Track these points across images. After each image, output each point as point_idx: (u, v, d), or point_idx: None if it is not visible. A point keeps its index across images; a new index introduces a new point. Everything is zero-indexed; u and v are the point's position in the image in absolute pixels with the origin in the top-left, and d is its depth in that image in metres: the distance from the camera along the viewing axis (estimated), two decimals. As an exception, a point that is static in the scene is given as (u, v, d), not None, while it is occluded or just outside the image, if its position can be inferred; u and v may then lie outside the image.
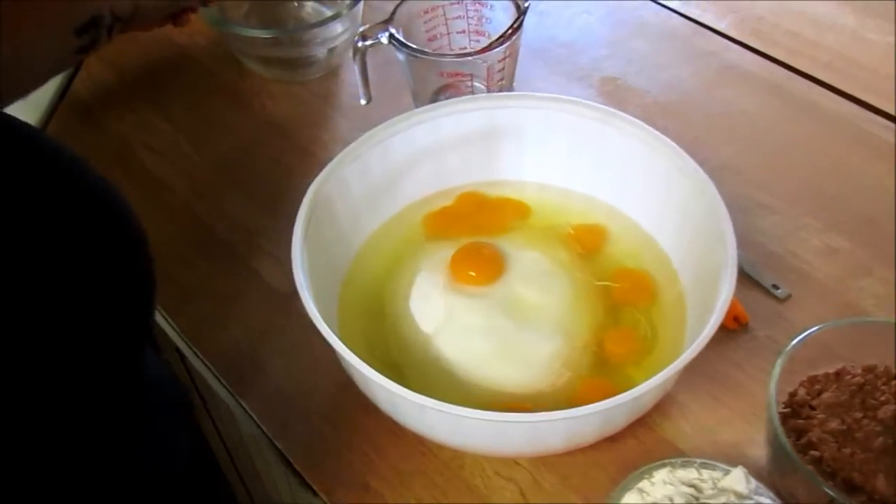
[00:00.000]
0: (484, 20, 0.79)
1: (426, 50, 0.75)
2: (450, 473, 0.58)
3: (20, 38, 0.58)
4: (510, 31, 0.72)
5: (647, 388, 0.50)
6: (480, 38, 0.79)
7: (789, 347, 0.56)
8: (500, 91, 0.77)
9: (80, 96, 0.89)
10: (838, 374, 0.58)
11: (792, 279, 0.67)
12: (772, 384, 0.54)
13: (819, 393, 0.57)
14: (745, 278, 0.67)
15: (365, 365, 0.51)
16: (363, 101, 0.78)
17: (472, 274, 0.62)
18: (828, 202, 0.73)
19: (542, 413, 0.50)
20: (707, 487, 0.50)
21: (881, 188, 0.74)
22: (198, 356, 0.67)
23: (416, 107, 0.79)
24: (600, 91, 0.83)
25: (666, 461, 0.52)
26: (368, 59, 0.81)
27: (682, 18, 0.91)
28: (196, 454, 0.62)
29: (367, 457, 0.59)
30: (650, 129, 0.65)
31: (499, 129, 0.69)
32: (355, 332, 0.62)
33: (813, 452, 0.54)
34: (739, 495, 0.49)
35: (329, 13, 0.83)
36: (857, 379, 0.57)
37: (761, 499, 0.50)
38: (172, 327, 0.69)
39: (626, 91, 0.83)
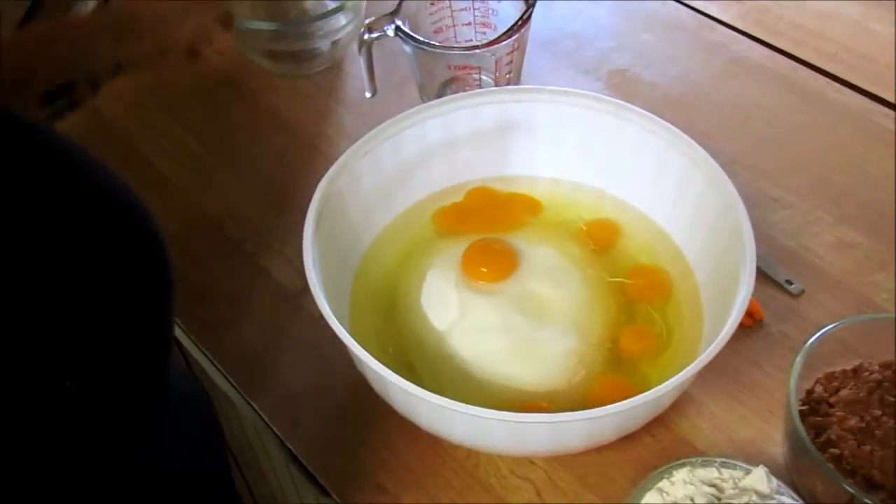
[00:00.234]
0: (490, 12, 0.78)
1: (433, 42, 0.74)
2: (464, 473, 0.57)
3: None
4: (519, 23, 0.71)
5: (667, 388, 0.50)
6: (487, 30, 0.78)
7: (807, 345, 0.55)
8: (508, 84, 0.76)
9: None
10: (856, 371, 0.57)
11: (805, 274, 0.67)
12: (791, 381, 0.54)
13: (837, 390, 0.57)
14: (759, 273, 0.65)
15: (381, 365, 0.51)
16: (368, 95, 0.77)
17: (484, 270, 0.61)
18: (839, 195, 0.73)
19: (562, 413, 0.49)
20: (728, 487, 0.50)
21: (892, 180, 0.74)
22: (206, 355, 0.66)
23: (423, 100, 0.78)
24: (608, 84, 0.82)
25: (685, 460, 0.51)
26: (373, 52, 0.80)
27: (689, 10, 0.90)
28: (217, 456, 0.61)
29: (380, 456, 0.58)
30: (663, 122, 0.64)
31: (511, 124, 0.68)
32: (367, 329, 0.61)
33: (832, 450, 0.54)
34: (761, 494, 0.49)
35: (332, 6, 0.82)
36: (875, 376, 0.57)
37: (783, 498, 0.49)
38: (180, 326, 0.68)
39: (634, 84, 0.82)
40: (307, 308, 0.64)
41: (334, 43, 0.85)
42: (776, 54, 0.85)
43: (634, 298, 0.62)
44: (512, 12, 0.74)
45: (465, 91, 0.71)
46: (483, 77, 0.76)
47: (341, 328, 0.52)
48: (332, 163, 0.62)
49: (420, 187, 0.68)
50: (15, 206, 0.35)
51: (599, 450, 0.57)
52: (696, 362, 0.50)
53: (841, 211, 0.72)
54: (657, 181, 0.65)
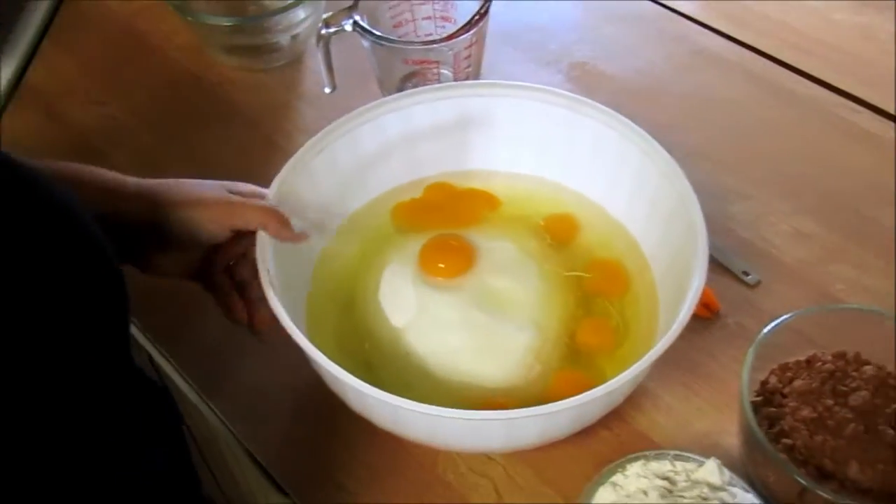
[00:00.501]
0: (450, 6, 0.78)
1: (391, 37, 0.74)
2: (423, 471, 0.57)
3: None
4: (476, 17, 0.71)
5: (620, 383, 0.50)
6: (447, 23, 0.78)
7: (761, 336, 0.56)
8: (468, 78, 0.76)
9: (37, 87, 0.86)
10: (809, 362, 0.58)
11: (762, 265, 0.67)
12: (744, 373, 0.54)
13: (791, 380, 0.57)
14: (716, 265, 0.67)
15: (334, 364, 0.51)
16: (327, 90, 0.77)
17: (442, 266, 0.61)
18: (797, 186, 0.73)
19: (517, 410, 0.49)
20: (681, 480, 0.50)
21: (850, 171, 0.74)
22: (164, 356, 0.66)
23: (383, 95, 0.77)
24: (569, 77, 0.82)
25: (639, 454, 0.52)
26: (333, 47, 0.79)
27: (652, 3, 0.90)
28: (177, 458, 0.61)
29: (339, 455, 0.58)
30: (619, 116, 0.64)
31: (469, 119, 0.68)
32: (326, 328, 0.61)
33: (785, 441, 0.54)
34: (713, 487, 0.49)
35: (291, 0, 0.81)
36: (828, 366, 0.57)
37: (734, 489, 0.50)
38: (139, 328, 0.67)
39: (595, 76, 0.82)
40: (267, 307, 0.63)
41: (294, 37, 0.84)
42: (737, 46, 0.85)
43: (592, 292, 0.62)
44: (472, 6, 0.74)
45: (424, 85, 0.71)
46: (443, 71, 0.76)
47: (294, 328, 0.52)
48: (290, 157, 0.62)
49: (379, 183, 0.68)
50: None
51: (557, 445, 0.57)
52: (647, 356, 0.51)
53: (799, 202, 0.72)
54: (615, 176, 0.65)
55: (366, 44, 0.74)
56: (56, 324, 0.39)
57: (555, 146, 0.67)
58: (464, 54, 0.73)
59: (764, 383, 0.57)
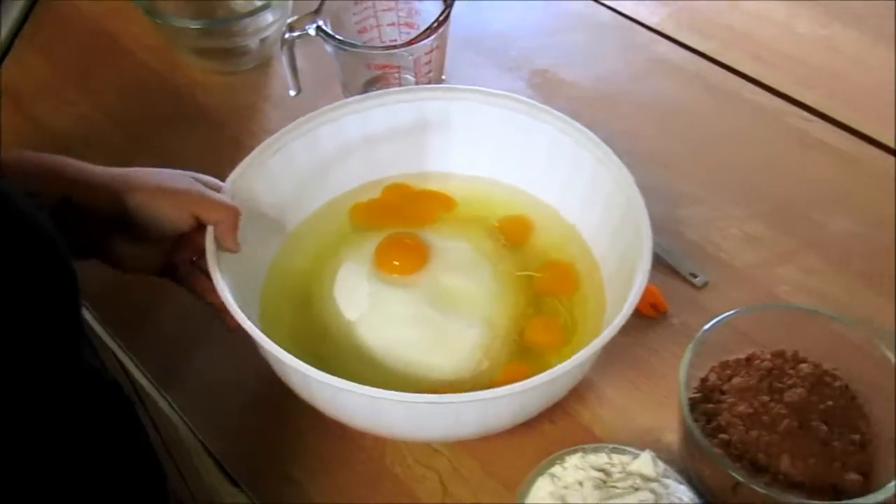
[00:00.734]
0: (414, 12, 0.80)
1: (354, 42, 0.75)
2: (371, 462, 0.59)
3: None
4: (436, 23, 0.73)
5: (560, 372, 0.51)
6: (411, 30, 0.80)
7: (700, 334, 0.57)
8: (430, 83, 0.77)
9: (10, 86, 0.87)
10: (748, 360, 0.59)
11: (710, 267, 0.69)
12: (682, 369, 0.56)
13: (730, 378, 0.59)
14: (665, 267, 0.69)
15: (276, 345, 0.52)
16: (292, 93, 0.78)
17: (397, 263, 0.62)
18: (749, 192, 0.75)
19: (456, 395, 0.50)
20: (616, 471, 0.51)
21: (801, 178, 0.76)
22: (124, 350, 0.67)
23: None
24: (530, 83, 0.84)
25: (578, 447, 0.53)
26: (302, 51, 0.81)
27: (613, 13, 0.92)
28: (135, 453, 0.61)
29: (290, 447, 0.59)
30: (574, 122, 0.65)
31: (429, 122, 0.69)
32: (281, 324, 0.62)
33: (722, 435, 0.56)
34: (646, 478, 0.51)
35: (260, 3, 0.82)
36: (766, 364, 0.59)
37: (668, 481, 0.51)
38: (97, 319, 0.68)
39: (555, 83, 0.84)
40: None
41: (262, 41, 0.86)
42: (696, 56, 0.87)
43: (542, 291, 0.64)
44: (435, 13, 0.75)
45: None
46: (405, 76, 0.77)
47: (240, 311, 0.53)
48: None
49: (338, 183, 0.70)
50: None
51: (502, 438, 0.58)
52: (587, 348, 0.52)
53: (750, 207, 0.74)
54: (569, 180, 0.67)
55: (329, 48, 0.76)
56: None
57: (512, 150, 0.69)
58: (424, 59, 0.75)
59: (704, 380, 0.59)
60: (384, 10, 0.80)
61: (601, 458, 0.52)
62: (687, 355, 0.56)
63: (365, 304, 0.61)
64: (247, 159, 0.63)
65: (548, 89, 0.83)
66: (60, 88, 0.87)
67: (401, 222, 0.67)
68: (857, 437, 0.56)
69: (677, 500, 0.49)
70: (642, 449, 0.53)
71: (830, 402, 0.57)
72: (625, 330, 0.65)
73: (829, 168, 0.77)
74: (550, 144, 0.67)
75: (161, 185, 0.57)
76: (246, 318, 0.53)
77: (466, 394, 0.50)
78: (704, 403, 0.58)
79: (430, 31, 0.73)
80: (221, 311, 0.57)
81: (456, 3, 0.75)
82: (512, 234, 0.67)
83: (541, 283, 0.64)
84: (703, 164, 0.77)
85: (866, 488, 0.53)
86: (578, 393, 0.61)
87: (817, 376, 0.58)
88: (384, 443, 0.59)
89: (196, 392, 0.63)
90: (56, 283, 0.43)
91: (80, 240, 0.56)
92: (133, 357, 0.66)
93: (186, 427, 0.62)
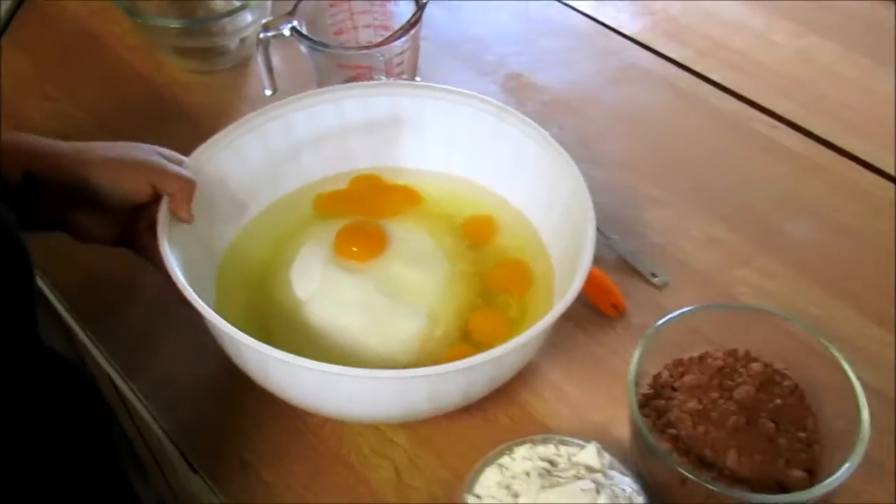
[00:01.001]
0: (390, 15, 0.81)
1: (328, 43, 0.77)
2: (327, 450, 0.60)
3: None
4: (408, 25, 0.74)
5: (505, 350, 0.52)
6: (387, 32, 0.81)
7: (652, 330, 0.58)
8: (403, 84, 0.79)
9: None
10: (701, 358, 0.60)
11: (671, 268, 0.70)
12: (632, 365, 0.57)
13: (682, 375, 0.60)
14: (627, 267, 0.70)
15: (217, 315, 0.53)
16: (268, 92, 0.79)
17: (355, 250, 0.64)
18: (713, 196, 0.76)
19: (387, 371, 0.51)
20: (562, 462, 0.52)
21: (764, 183, 0.78)
22: (94, 343, 0.68)
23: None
24: (504, 87, 0.86)
25: (527, 438, 0.54)
26: (281, 52, 0.83)
27: (589, 20, 0.93)
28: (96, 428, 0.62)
29: (248, 434, 0.61)
30: (538, 127, 0.66)
31: (402, 117, 0.70)
32: (237, 301, 0.63)
33: (671, 431, 0.57)
34: (591, 469, 0.51)
35: (239, 4, 0.84)
36: (718, 362, 0.60)
37: (613, 472, 0.52)
38: (67, 311, 0.69)
39: (528, 87, 0.86)
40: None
41: (242, 41, 0.87)
42: (668, 63, 0.89)
43: (496, 289, 0.64)
44: (410, 15, 0.77)
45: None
46: (378, 77, 0.78)
47: (182, 278, 0.54)
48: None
49: (312, 170, 0.71)
50: None
51: (459, 431, 0.59)
52: (534, 327, 0.53)
53: (714, 211, 0.75)
54: (533, 184, 0.68)
55: (303, 49, 0.77)
56: None
57: (483, 151, 0.70)
58: (396, 60, 0.76)
59: (657, 377, 0.60)
60: (360, 13, 0.81)
61: (549, 450, 0.53)
62: (638, 350, 0.57)
63: (317, 285, 0.62)
64: (216, 136, 0.64)
65: (521, 93, 0.85)
66: (42, 86, 0.89)
67: (364, 212, 0.68)
68: (804, 435, 0.57)
69: (619, 491, 0.50)
70: (600, 444, 0.54)
71: (779, 401, 0.58)
72: (584, 328, 0.67)
73: (792, 174, 0.78)
74: (515, 148, 0.68)
75: (119, 157, 0.58)
76: (187, 285, 0.54)
77: (408, 371, 0.51)
78: (656, 399, 0.59)
79: (401, 31, 0.74)
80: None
81: (437, 9, 0.76)
82: (476, 233, 0.68)
83: (494, 280, 0.65)
84: (668, 168, 0.79)
85: (811, 485, 0.54)
86: (536, 389, 0.62)
87: (767, 375, 0.59)
88: (341, 433, 0.60)
89: (160, 382, 0.64)
90: (7, 260, 0.44)
91: (42, 212, 0.57)
92: (100, 348, 0.67)
93: (150, 415, 0.63)
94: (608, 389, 0.63)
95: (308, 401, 0.57)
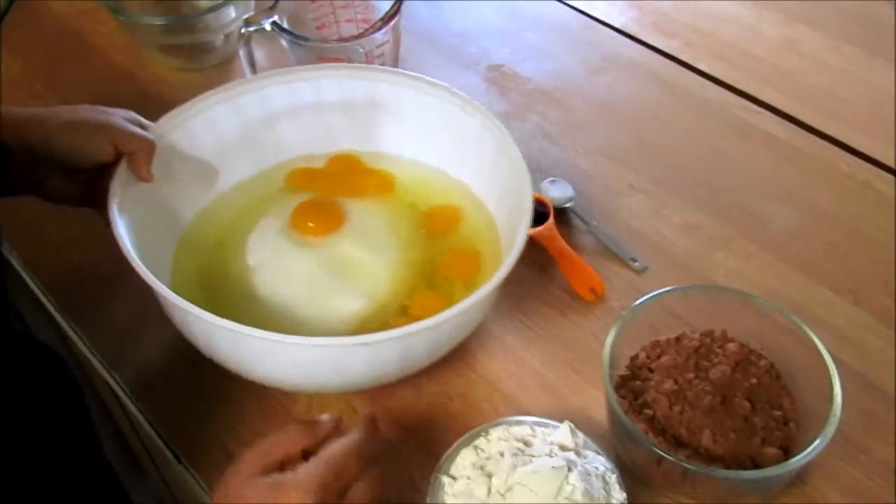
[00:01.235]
0: (371, 9, 0.82)
1: (307, 36, 0.77)
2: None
3: None
4: (387, 16, 0.75)
5: (440, 319, 0.52)
6: (368, 26, 0.82)
7: (627, 311, 0.59)
8: (384, 77, 0.79)
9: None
10: (678, 339, 0.61)
11: (651, 254, 0.71)
12: (607, 345, 0.57)
13: (659, 356, 0.60)
14: (607, 252, 0.70)
15: (147, 271, 0.54)
16: (250, 86, 0.80)
17: (311, 225, 0.65)
18: (694, 183, 0.77)
19: (322, 338, 0.52)
20: (537, 442, 0.53)
21: (744, 169, 0.78)
22: (76, 333, 0.69)
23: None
24: (486, 78, 0.86)
25: (503, 419, 0.55)
26: (266, 49, 0.83)
27: (573, 11, 0.94)
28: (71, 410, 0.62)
29: (230, 424, 0.61)
30: (497, 121, 0.66)
31: (378, 103, 0.71)
32: (190, 266, 0.64)
33: (647, 411, 0.57)
34: (564, 447, 0.52)
35: (222, 0, 0.85)
36: (694, 343, 0.60)
37: (586, 451, 0.53)
38: (53, 304, 0.70)
39: (510, 77, 0.86)
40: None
41: (226, 37, 0.88)
42: (649, 52, 0.89)
43: (445, 275, 0.65)
44: (391, 9, 0.77)
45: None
46: (360, 69, 0.79)
47: (125, 239, 0.55)
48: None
49: (290, 147, 0.71)
50: None
51: (438, 415, 0.60)
52: (492, 280, 0.54)
53: (693, 197, 0.76)
54: (493, 175, 0.68)
55: (284, 43, 0.78)
56: None
57: (453, 141, 0.70)
58: (377, 52, 0.77)
59: (634, 358, 0.61)
60: (341, 7, 0.82)
61: (524, 430, 0.54)
62: (613, 331, 0.58)
63: (267, 254, 0.63)
64: (186, 103, 0.65)
65: (502, 83, 0.85)
66: (31, 85, 0.89)
67: (333, 192, 0.69)
68: (779, 413, 0.57)
69: (592, 469, 0.51)
70: (578, 426, 0.54)
71: (755, 380, 0.58)
72: (564, 313, 0.68)
73: (771, 160, 0.78)
74: (478, 139, 0.68)
75: (81, 120, 0.60)
76: (128, 245, 0.55)
77: (342, 337, 0.52)
78: (633, 381, 0.59)
79: (380, 23, 0.75)
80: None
81: (420, 4, 0.77)
82: (438, 222, 0.69)
83: (443, 268, 0.65)
84: (649, 156, 0.79)
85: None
86: (517, 376, 0.62)
87: (743, 355, 0.59)
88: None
89: (144, 374, 0.65)
90: None
91: (7, 176, 0.59)
92: (84, 339, 0.67)
93: (135, 408, 0.64)
94: (587, 373, 0.63)
95: (245, 368, 0.57)
